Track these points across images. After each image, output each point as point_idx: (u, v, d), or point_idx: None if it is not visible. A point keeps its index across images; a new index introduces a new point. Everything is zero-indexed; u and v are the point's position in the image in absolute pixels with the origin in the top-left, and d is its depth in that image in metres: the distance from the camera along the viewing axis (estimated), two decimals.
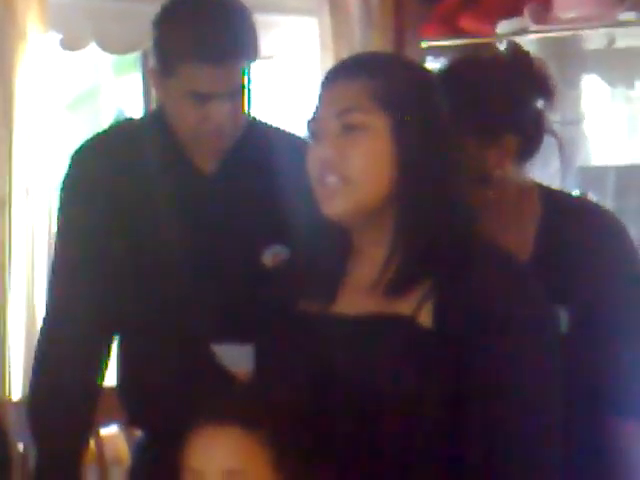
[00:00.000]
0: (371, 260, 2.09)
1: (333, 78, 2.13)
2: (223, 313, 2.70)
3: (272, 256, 2.57)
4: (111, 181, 2.83)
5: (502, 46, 3.27)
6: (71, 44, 3.62)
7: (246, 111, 2.79)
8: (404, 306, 2.03)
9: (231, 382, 2.52)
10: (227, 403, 1.95)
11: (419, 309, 2.02)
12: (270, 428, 1.87)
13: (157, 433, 2.84)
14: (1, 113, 3.30)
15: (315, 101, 2.13)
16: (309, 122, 2.11)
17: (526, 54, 2.69)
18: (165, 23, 2.69)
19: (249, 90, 2.76)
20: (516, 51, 2.68)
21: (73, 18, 3.59)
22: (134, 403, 2.91)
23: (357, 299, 2.11)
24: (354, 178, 2.03)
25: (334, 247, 2.17)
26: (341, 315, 2.11)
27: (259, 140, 2.84)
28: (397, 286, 2.05)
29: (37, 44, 3.35)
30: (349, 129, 2.03)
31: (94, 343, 2.88)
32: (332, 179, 2.04)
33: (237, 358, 2.49)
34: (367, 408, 2.06)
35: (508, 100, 2.51)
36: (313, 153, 2.08)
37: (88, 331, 2.85)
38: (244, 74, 2.69)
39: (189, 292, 2.76)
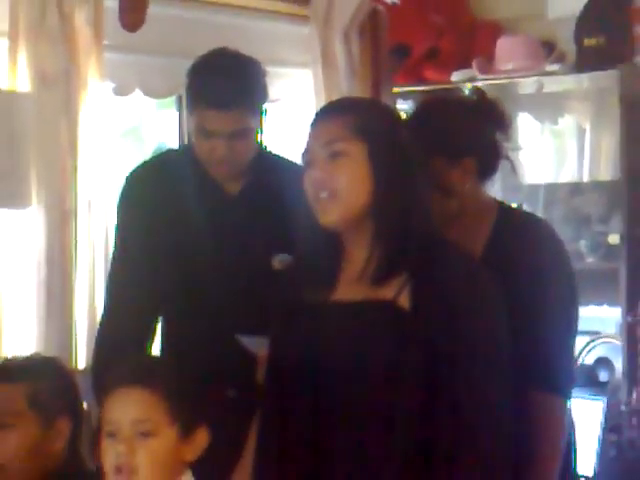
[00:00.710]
0: (358, 258, 2.16)
1: (319, 117, 2.23)
2: (242, 300, 2.72)
3: (280, 261, 2.61)
4: (155, 197, 2.88)
5: (459, 91, 3.25)
6: (121, 91, 3.63)
7: (260, 143, 2.86)
8: (387, 293, 2.11)
9: (253, 360, 2.50)
10: (132, 369, 1.97)
11: (398, 295, 2.10)
12: (164, 386, 1.89)
13: None
14: (68, 144, 3.26)
15: (306, 137, 2.17)
16: (303, 154, 2.19)
17: (489, 98, 2.70)
18: (191, 74, 2.76)
19: (261, 128, 2.82)
20: (481, 95, 2.69)
21: (122, 70, 3.56)
22: None
23: (350, 289, 2.17)
24: (340, 193, 2.11)
25: (330, 250, 2.21)
26: (338, 302, 2.19)
27: (271, 167, 2.91)
28: (378, 278, 2.12)
29: (95, 91, 3.33)
30: (334, 156, 2.11)
31: (142, 323, 2.90)
32: (323, 195, 2.12)
33: (255, 345, 2.52)
34: (358, 370, 2.09)
35: (470, 131, 2.50)
36: (307, 177, 2.15)
37: (137, 313, 2.88)
38: (250, 116, 2.73)
39: (216, 285, 2.79)
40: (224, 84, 2.66)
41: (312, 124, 2.17)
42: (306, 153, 2.14)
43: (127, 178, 2.92)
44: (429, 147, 2.41)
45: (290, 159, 2.93)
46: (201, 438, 1.93)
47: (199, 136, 2.72)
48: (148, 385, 1.88)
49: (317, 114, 2.23)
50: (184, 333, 2.83)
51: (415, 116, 2.66)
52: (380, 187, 2.09)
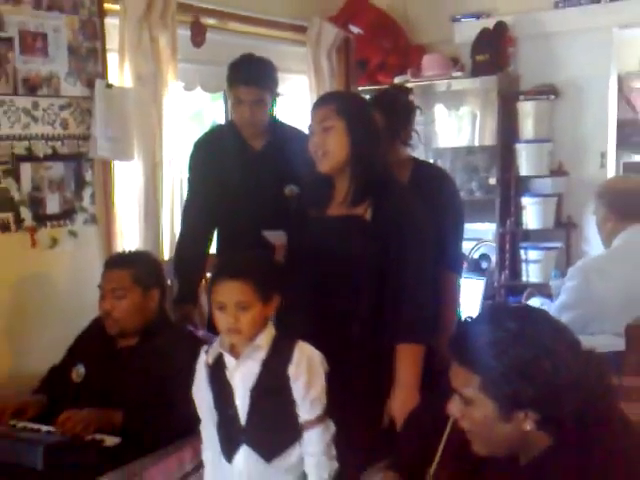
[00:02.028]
0: (342, 190, 2.15)
1: (316, 104, 2.22)
2: (265, 214, 2.66)
3: (289, 190, 2.60)
4: (209, 154, 2.85)
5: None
6: (188, 87, 3.57)
7: (273, 116, 2.83)
8: (359, 211, 2.11)
9: (273, 250, 2.50)
10: (235, 263, 1.91)
11: (365, 212, 2.10)
12: (255, 279, 1.83)
13: None
14: (156, 121, 3.22)
15: (309, 117, 2.18)
16: (308, 127, 2.19)
17: (406, 87, 2.69)
18: (230, 66, 2.74)
19: (274, 104, 2.79)
20: (399, 86, 2.69)
21: (189, 74, 3.51)
22: None
23: (337, 208, 2.17)
24: (329, 152, 2.10)
25: (325, 185, 2.20)
26: (330, 216, 2.18)
27: (282, 131, 2.85)
28: (354, 202, 2.11)
29: (172, 87, 3.28)
30: (325, 129, 2.10)
31: (203, 233, 2.88)
32: (319, 153, 2.11)
33: (276, 236, 2.52)
34: (340, 254, 2.10)
35: (406, 108, 2.47)
36: (310, 142, 2.15)
37: (200, 227, 2.87)
38: (267, 93, 2.71)
39: (248, 206, 2.74)
40: (249, 69, 2.70)
41: (312, 109, 2.19)
42: (310, 127, 2.16)
43: (194, 144, 2.93)
44: (389, 118, 2.42)
45: (294, 126, 2.95)
46: (276, 301, 1.88)
47: (234, 105, 2.74)
48: (243, 278, 1.82)
49: (315, 103, 2.24)
50: (230, 238, 2.83)
51: (376, 99, 2.65)
52: (354, 148, 2.09)
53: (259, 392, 1.82)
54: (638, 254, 2.69)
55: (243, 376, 1.83)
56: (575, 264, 2.90)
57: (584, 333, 2.32)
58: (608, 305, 2.61)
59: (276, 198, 2.63)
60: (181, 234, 2.97)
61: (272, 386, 1.82)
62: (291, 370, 1.80)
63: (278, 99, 2.83)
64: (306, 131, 2.79)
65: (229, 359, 1.85)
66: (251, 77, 2.67)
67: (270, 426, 1.83)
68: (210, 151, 2.85)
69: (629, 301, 2.59)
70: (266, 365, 1.82)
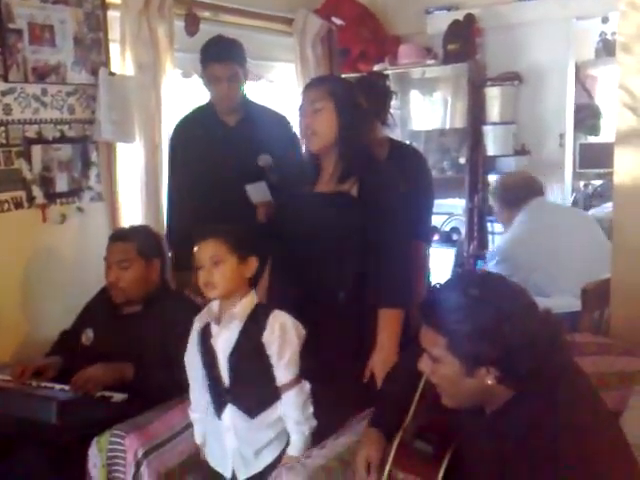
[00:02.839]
0: (329, 168, 2.12)
1: (307, 87, 2.17)
2: (240, 180, 2.53)
3: (262, 159, 2.50)
4: (187, 133, 2.80)
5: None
6: (185, 75, 3.52)
7: (244, 94, 2.76)
8: (345, 187, 2.08)
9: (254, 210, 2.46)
10: (209, 227, 1.89)
11: (351, 188, 2.07)
12: (225, 236, 1.83)
13: None
14: (155, 106, 3.18)
15: (299, 99, 2.14)
16: (299, 108, 2.12)
17: (382, 74, 2.66)
18: (203, 47, 2.70)
19: (243, 83, 2.72)
20: (377, 73, 2.65)
21: (186, 63, 3.44)
22: None
23: (325, 185, 2.14)
24: (318, 132, 2.06)
25: (314, 163, 2.16)
26: (317, 192, 2.15)
27: (253, 108, 2.81)
28: (341, 179, 2.08)
29: (170, 75, 3.23)
30: (315, 110, 2.06)
31: (189, 205, 2.80)
32: (309, 132, 2.07)
33: (256, 190, 2.46)
34: (326, 228, 2.07)
35: (383, 93, 2.45)
36: (301, 123, 2.10)
37: (185, 200, 2.82)
38: (239, 69, 2.66)
39: (225, 175, 2.66)
40: (222, 47, 2.65)
41: (303, 91, 2.16)
42: (300, 108, 2.11)
43: (174, 126, 2.91)
44: (369, 102, 2.40)
45: (262, 104, 2.90)
46: (252, 263, 1.86)
47: (210, 83, 2.69)
48: (215, 235, 1.82)
49: (306, 85, 2.20)
50: (211, 202, 2.72)
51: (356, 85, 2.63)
52: (343, 128, 2.06)
53: (237, 357, 1.81)
54: (548, 226, 2.96)
55: (223, 342, 1.83)
56: (492, 250, 3.08)
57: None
58: (535, 269, 2.83)
59: (251, 168, 2.55)
60: (169, 209, 2.93)
61: (249, 352, 1.81)
62: (265, 337, 1.79)
63: (247, 77, 2.77)
64: (277, 111, 2.85)
65: (214, 327, 1.85)
66: (224, 54, 2.62)
67: (251, 387, 1.83)
68: (188, 131, 2.80)
69: (540, 268, 2.82)
70: (243, 332, 1.81)
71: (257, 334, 1.80)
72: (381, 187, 2.07)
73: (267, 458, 1.86)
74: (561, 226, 2.99)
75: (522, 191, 3.06)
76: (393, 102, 2.62)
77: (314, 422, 1.85)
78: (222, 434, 1.87)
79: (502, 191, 3.15)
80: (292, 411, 1.82)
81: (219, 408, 1.87)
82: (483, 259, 3.75)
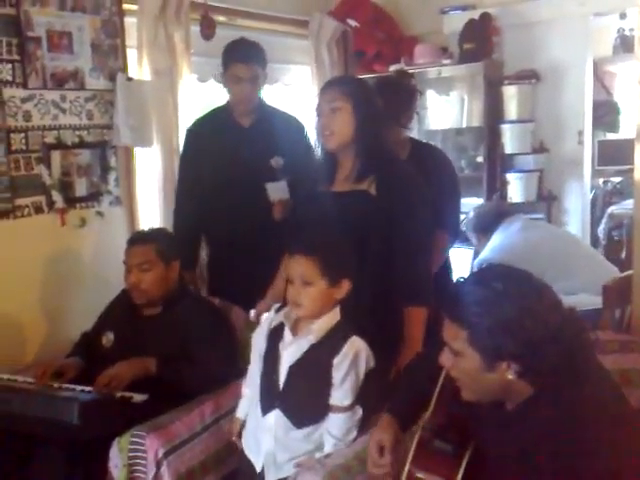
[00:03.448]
0: (346, 167, 2.12)
1: (325, 87, 2.15)
2: (253, 181, 2.58)
3: (274, 161, 2.54)
4: (201, 134, 2.81)
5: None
6: (202, 79, 3.55)
7: (261, 96, 2.76)
8: (363, 186, 2.08)
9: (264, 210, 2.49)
10: (309, 240, 1.83)
11: (369, 187, 2.07)
12: (321, 257, 1.76)
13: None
14: (172, 110, 3.21)
15: (317, 98, 2.13)
16: (316, 108, 2.11)
17: (408, 73, 2.64)
18: (226, 47, 2.69)
19: (263, 82, 2.72)
20: (403, 72, 2.63)
21: (202, 67, 3.47)
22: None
23: (342, 184, 2.13)
24: (336, 131, 2.06)
25: (332, 162, 2.15)
26: (335, 191, 2.14)
27: (268, 111, 2.80)
28: (358, 178, 2.08)
29: (187, 79, 3.26)
30: (333, 110, 2.06)
31: (196, 208, 2.81)
32: (327, 132, 2.07)
33: (276, 189, 2.49)
34: (346, 227, 2.02)
35: (406, 94, 2.45)
36: (318, 122, 2.09)
37: (193, 202, 2.82)
38: (260, 72, 2.67)
39: (238, 175, 2.67)
40: (245, 48, 2.66)
41: (321, 91, 2.15)
42: (318, 108, 2.10)
43: (188, 127, 2.93)
44: (392, 104, 2.40)
45: (278, 107, 2.91)
46: (344, 285, 1.79)
47: (231, 83, 2.69)
48: (310, 254, 1.75)
49: (323, 86, 2.19)
50: (221, 201, 2.75)
51: (377, 87, 2.62)
52: (359, 128, 2.05)
53: (299, 370, 1.78)
54: (505, 248, 3.16)
55: (291, 352, 1.79)
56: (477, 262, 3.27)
57: None
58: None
59: (264, 169, 2.57)
60: (175, 208, 2.93)
61: (313, 368, 1.77)
62: (337, 360, 1.75)
63: (266, 79, 2.78)
64: (290, 114, 2.85)
65: (287, 333, 1.82)
66: (248, 55, 2.64)
67: (304, 401, 1.79)
68: (202, 131, 2.81)
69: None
70: (314, 348, 1.77)
71: (329, 355, 1.75)
72: (399, 185, 2.06)
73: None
74: (535, 230, 3.18)
75: (490, 218, 3.34)
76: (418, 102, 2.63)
77: (351, 441, 1.81)
78: (262, 433, 1.84)
79: (474, 222, 3.42)
80: (337, 432, 1.79)
81: (267, 407, 1.83)
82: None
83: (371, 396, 1.83)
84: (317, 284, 1.75)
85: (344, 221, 2.06)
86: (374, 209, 2.05)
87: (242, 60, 2.63)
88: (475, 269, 3.25)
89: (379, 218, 2.04)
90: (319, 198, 2.17)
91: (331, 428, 1.79)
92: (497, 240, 3.25)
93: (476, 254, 3.55)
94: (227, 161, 2.70)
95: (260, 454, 1.85)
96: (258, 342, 1.89)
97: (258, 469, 1.86)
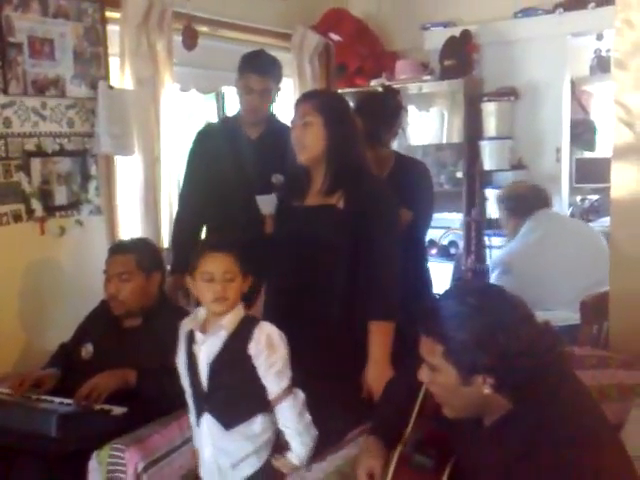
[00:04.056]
0: (317, 182, 2.12)
1: (299, 101, 2.17)
2: (253, 200, 2.58)
3: (275, 178, 2.53)
4: (208, 140, 2.81)
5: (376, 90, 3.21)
6: (183, 89, 3.55)
7: (271, 109, 2.79)
8: (332, 200, 2.09)
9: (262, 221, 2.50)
10: (219, 242, 1.89)
11: (338, 201, 2.08)
12: (238, 253, 1.83)
13: None
14: (154, 119, 3.21)
15: (292, 112, 2.15)
16: (291, 122, 2.15)
17: (395, 89, 2.67)
18: (243, 57, 2.70)
19: (274, 99, 2.75)
20: (388, 88, 2.66)
21: (184, 77, 3.48)
22: None
23: (313, 198, 2.14)
24: (307, 145, 2.08)
25: (304, 179, 2.17)
26: (306, 205, 2.15)
27: (276, 125, 2.78)
28: (328, 192, 2.09)
29: (169, 89, 3.27)
30: (305, 124, 2.08)
31: (199, 212, 2.83)
32: (299, 146, 2.08)
33: (266, 202, 2.48)
34: (317, 237, 2.08)
35: (390, 110, 2.48)
36: (292, 135, 2.12)
37: (196, 207, 2.83)
38: (273, 86, 2.70)
39: (241, 189, 2.67)
40: (260, 60, 2.69)
41: (295, 104, 2.17)
42: (292, 122, 2.13)
43: (196, 133, 2.92)
44: (373, 120, 2.42)
45: (286, 123, 2.90)
46: (249, 280, 1.86)
47: (244, 93, 2.69)
48: (229, 251, 1.82)
49: (298, 99, 2.21)
50: (220, 210, 2.76)
51: (361, 103, 2.66)
52: (330, 142, 2.07)
53: (218, 366, 1.80)
54: (552, 238, 2.97)
55: (207, 349, 1.82)
56: (493, 259, 3.20)
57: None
58: (537, 282, 2.84)
59: (264, 185, 2.57)
60: (179, 211, 2.94)
61: (231, 362, 1.80)
62: (251, 348, 1.78)
63: (279, 94, 2.80)
64: None
65: (198, 334, 1.85)
66: (260, 67, 2.65)
67: (229, 398, 1.82)
68: (209, 139, 2.82)
69: (559, 278, 2.83)
70: (228, 342, 1.80)
71: (242, 344, 1.79)
72: (368, 200, 2.07)
73: (245, 471, 1.84)
74: (565, 239, 2.98)
75: (528, 201, 3.07)
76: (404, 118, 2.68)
77: (315, 431, 1.84)
78: (201, 442, 1.87)
79: (508, 200, 3.15)
80: (290, 422, 1.81)
81: (198, 414, 1.86)
82: (482, 272, 3.77)
83: (312, 383, 1.85)
84: (238, 277, 1.82)
85: (313, 235, 2.09)
86: (341, 223, 2.06)
87: (256, 71, 2.64)
88: (493, 266, 3.15)
89: (346, 232, 2.06)
90: (290, 212, 2.19)
91: (284, 421, 1.81)
92: (521, 239, 3.04)
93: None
94: (229, 170, 2.71)
95: (205, 466, 1.87)
96: (180, 363, 1.91)
97: None
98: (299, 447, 1.81)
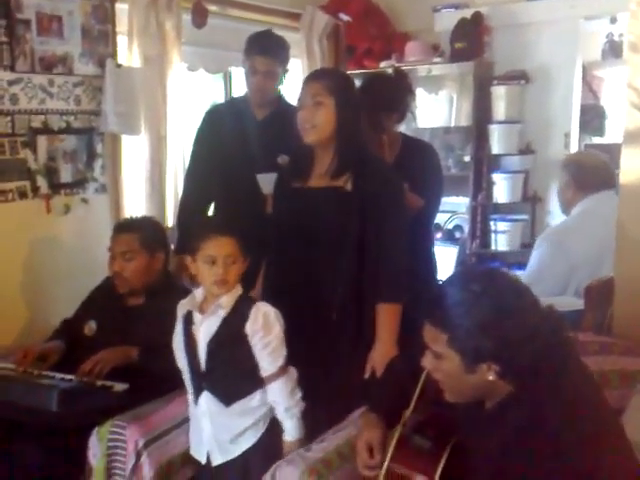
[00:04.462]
0: (324, 163, 2.10)
1: (308, 79, 2.16)
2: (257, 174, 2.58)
3: (281, 159, 2.50)
4: (216, 119, 2.80)
5: (385, 72, 3.19)
6: (191, 68, 3.52)
7: (279, 92, 2.76)
8: (339, 182, 2.08)
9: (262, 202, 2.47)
10: (222, 221, 1.99)
11: (345, 183, 2.07)
12: (238, 237, 1.85)
13: None
14: (161, 98, 3.19)
15: (300, 90, 2.12)
16: (298, 100, 2.12)
17: (403, 71, 2.64)
18: (250, 37, 2.67)
19: (282, 80, 2.72)
20: (398, 70, 2.62)
21: (192, 56, 3.45)
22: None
23: (318, 180, 2.12)
24: (317, 125, 2.05)
25: (309, 156, 2.14)
26: (310, 187, 2.14)
27: (284, 106, 2.75)
28: (335, 174, 2.07)
29: (177, 68, 3.23)
30: (315, 104, 2.05)
31: (205, 192, 2.83)
32: (307, 125, 2.06)
33: (267, 181, 2.45)
34: (322, 220, 2.08)
35: (395, 95, 2.45)
36: (299, 115, 2.09)
37: (202, 186, 2.82)
38: (278, 66, 2.66)
39: (247, 168, 2.64)
40: (266, 41, 2.66)
41: (304, 82, 2.14)
42: (300, 100, 2.11)
43: (204, 113, 2.90)
44: (374, 104, 2.39)
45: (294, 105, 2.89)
46: (247, 262, 1.89)
47: (249, 74, 2.68)
48: (230, 234, 1.84)
49: (307, 77, 2.19)
50: (225, 190, 2.77)
51: (366, 84, 2.62)
52: (340, 124, 2.05)
53: (216, 344, 1.83)
54: (594, 222, 2.72)
55: (205, 330, 1.84)
56: (542, 234, 2.92)
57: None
58: (572, 267, 2.65)
59: (269, 165, 2.55)
60: (184, 190, 2.93)
61: (229, 340, 1.83)
62: (248, 327, 1.81)
63: (286, 75, 2.77)
64: None
65: (196, 315, 1.87)
66: (266, 48, 2.63)
67: (227, 375, 1.85)
68: (216, 119, 2.82)
69: (586, 264, 2.64)
70: (225, 321, 1.83)
71: (239, 324, 1.82)
72: (376, 182, 2.06)
73: (243, 445, 1.88)
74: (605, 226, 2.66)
75: (597, 178, 2.79)
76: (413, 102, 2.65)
77: (302, 404, 1.87)
78: (199, 419, 1.90)
79: (576, 169, 2.84)
80: (282, 398, 1.84)
81: (196, 393, 1.89)
82: (484, 260, 3.73)
83: (313, 363, 1.89)
84: (238, 260, 1.84)
85: (319, 217, 2.07)
86: (349, 205, 2.05)
87: (260, 53, 2.62)
88: (550, 235, 2.85)
89: (354, 215, 2.04)
90: (294, 193, 2.16)
91: (276, 398, 1.85)
92: (576, 217, 2.81)
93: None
94: (234, 150, 2.70)
95: (202, 443, 1.91)
96: (177, 343, 1.94)
97: (203, 460, 1.91)
98: (290, 423, 1.86)
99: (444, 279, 1.42)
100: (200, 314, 1.86)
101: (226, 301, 1.84)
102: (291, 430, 1.86)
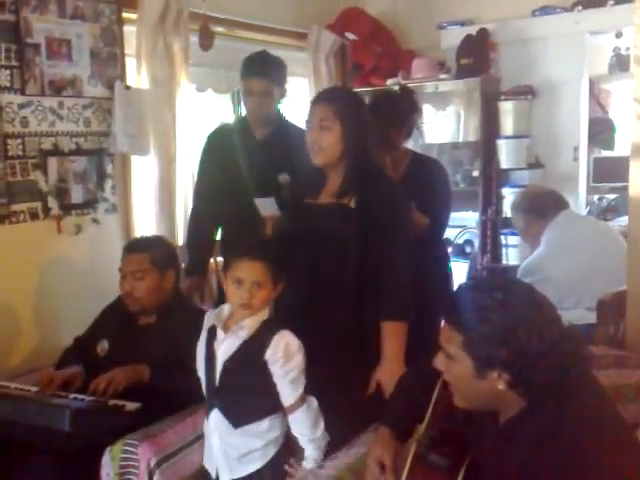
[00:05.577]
0: (333, 183, 2.13)
1: (316, 100, 2.16)
2: (259, 195, 2.54)
3: (282, 178, 2.52)
4: (218, 144, 2.82)
5: (392, 90, 3.19)
6: (199, 89, 3.55)
7: (279, 110, 2.76)
8: (345, 200, 2.09)
9: (261, 224, 2.46)
10: (253, 247, 1.87)
11: (349, 201, 2.09)
12: (269, 261, 1.81)
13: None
14: (170, 119, 3.23)
15: (308, 111, 2.14)
16: (306, 122, 2.14)
17: (409, 89, 2.65)
18: (245, 59, 2.70)
19: (280, 99, 2.72)
20: (405, 88, 2.64)
21: (200, 77, 3.49)
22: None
23: (326, 198, 2.14)
24: (324, 148, 2.07)
25: (319, 177, 2.17)
26: (320, 203, 2.16)
27: (283, 125, 2.78)
28: (342, 193, 2.10)
29: (185, 89, 3.28)
30: (322, 127, 2.07)
31: (212, 214, 2.85)
32: (315, 147, 2.08)
33: (265, 205, 2.46)
34: (328, 235, 2.09)
35: (402, 112, 2.47)
36: (307, 136, 2.11)
37: (208, 208, 2.85)
38: (274, 87, 2.66)
39: (248, 188, 2.63)
40: (259, 63, 2.68)
41: (311, 104, 2.16)
42: (307, 122, 2.13)
43: (208, 135, 2.93)
44: (382, 121, 2.40)
45: (294, 123, 2.88)
46: (280, 286, 1.86)
47: (245, 95, 2.71)
48: (262, 259, 1.81)
49: (315, 98, 2.19)
50: (228, 210, 2.77)
51: (373, 103, 2.64)
52: (347, 147, 2.07)
53: (232, 365, 1.81)
54: (574, 239, 2.88)
55: (224, 348, 1.83)
56: (520, 273, 2.97)
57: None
58: (562, 284, 2.72)
59: (268, 183, 2.56)
60: (193, 212, 2.96)
61: (245, 364, 1.81)
62: (268, 355, 1.78)
63: (285, 95, 2.78)
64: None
65: (219, 332, 1.86)
66: (260, 70, 2.64)
67: (239, 398, 1.83)
68: (219, 140, 2.84)
69: (580, 279, 2.75)
70: (245, 345, 1.81)
71: (259, 349, 1.79)
72: (379, 199, 2.07)
73: (252, 465, 1.85)
74: (587, 240, 2.90)
75: (549, 203, 2.98)
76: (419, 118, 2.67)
77: (328, 437, 1.85)
78: (210, 434, 1.89)
79: (529, 203, 3.03)
80: (304, 429, 1.82)
81: (209, 407, 1.88)
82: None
83: (325, 383, 1.85)
84: (266, 286, 1.81)
85: (326, 233, 2.08)
86: (350, 221, 2.06)
87: (255, 74, 2.64)
88: (528, 267, 2.94)
89: (357, 232, 2.05)
90: (303, 210, 2.18)
91: (298, 429, 1.83)
92: (547, 244, 2.92)
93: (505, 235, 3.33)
94: (237, 171, 2.71)
95: (213, 457, 1.89)
96: (199, 353, 1.92)
97: (213, 474, 1.89)
98: (314, 452, 1.83)
99: (467, 282, 1.41)
100: (223, 331, 1.85)
101: (249, 324, 1.82)
102: (313, 458, 1.83)
